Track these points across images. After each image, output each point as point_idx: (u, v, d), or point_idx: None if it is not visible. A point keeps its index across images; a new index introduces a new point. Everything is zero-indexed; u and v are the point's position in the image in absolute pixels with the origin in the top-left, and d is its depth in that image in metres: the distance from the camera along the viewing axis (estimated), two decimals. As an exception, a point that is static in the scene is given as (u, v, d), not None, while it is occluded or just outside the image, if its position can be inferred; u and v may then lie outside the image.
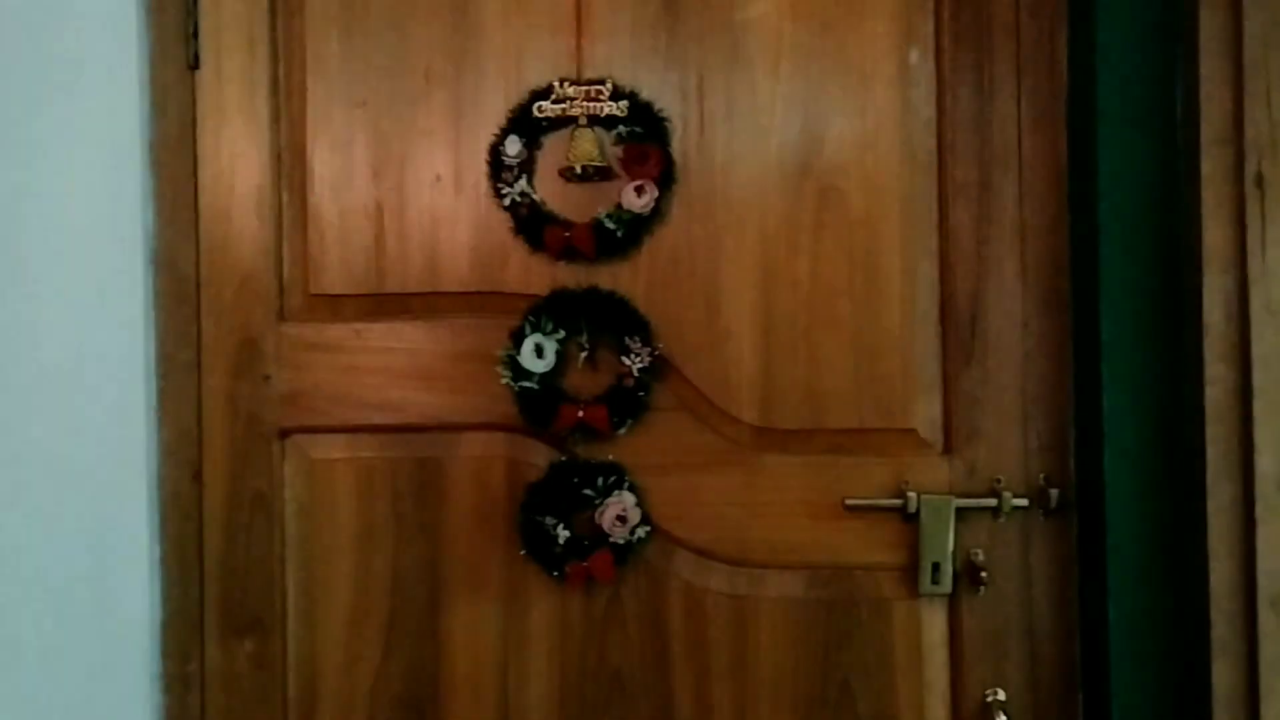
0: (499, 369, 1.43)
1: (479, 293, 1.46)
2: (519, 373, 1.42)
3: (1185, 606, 1.32)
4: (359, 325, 1.47)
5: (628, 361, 1.41)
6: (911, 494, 1.41)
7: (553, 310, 1.42)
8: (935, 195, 1.43)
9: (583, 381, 1.45)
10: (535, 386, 1.42)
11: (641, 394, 1.42)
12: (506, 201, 1.43)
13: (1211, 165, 1.28)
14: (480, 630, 1.47)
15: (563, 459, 1.44)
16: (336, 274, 1.48)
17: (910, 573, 1.42)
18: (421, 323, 1.46)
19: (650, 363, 1.41)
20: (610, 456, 1.44)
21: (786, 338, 1.44)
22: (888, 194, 1.43)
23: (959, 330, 1.42)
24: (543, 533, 1.42)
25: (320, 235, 1.48)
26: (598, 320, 1.42)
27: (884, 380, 1.43)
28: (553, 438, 1.45)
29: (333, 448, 1.48)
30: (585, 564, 1.41)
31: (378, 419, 1.47)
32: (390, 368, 1.47)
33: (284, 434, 1.48)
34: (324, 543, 1.48)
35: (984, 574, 1.40)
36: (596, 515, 1.42)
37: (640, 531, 1.43)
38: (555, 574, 1.43)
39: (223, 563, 1.49)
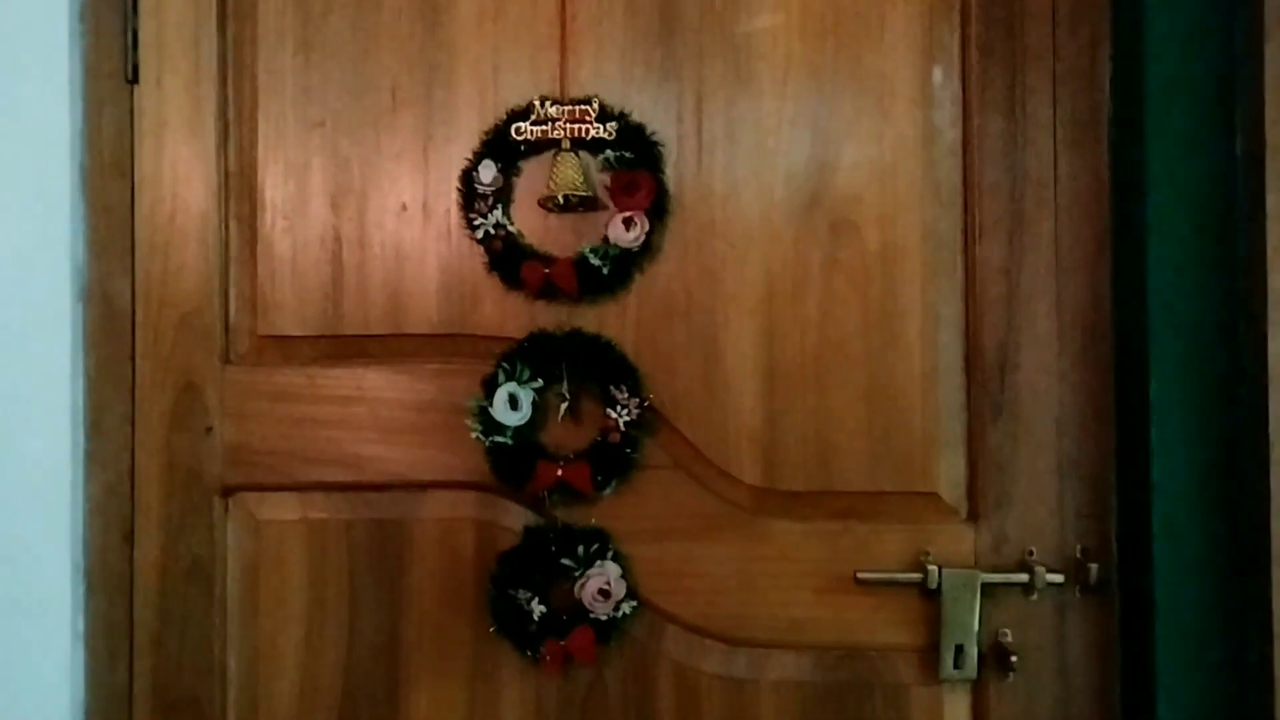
0: (469, 421, 1.33)
1: (448, 335, 1.37)
2: (491, 425, 1.32)
3: (1246, 702, 1.22)
4: (313, 371, 1.37)
5: (614, 414, 1.32)
6: (932, 567, 1.30)
7: (530, 355, 1.32)
8: (960, 229, 1.34)
9: (563, 436, 1.35)
10: (509, 441, 1.32)
11: (629, 450, 1.32)
12: (480, 234, 1.34)
13: (1279, 196, 1.20)
14: (445, 716, 1.37)
15: (539, 523, 1.35)
16: (289, 313, 1.38)
17: (931, 655, 1.32)
18: (383, 369, 1.37)
19: (639, 415, 1.32)
20: (593, 521, 1.34)
21: (793, 388, 1.34)
22: (907, 228, 1.34)
23: (986, 382, 1.32)
24: (515, 607, 1.32)
25: (271, 270, 1.39)
26: (580, 367, 1.33)
27: (902, 437, 1.34)
28: (529, 499, 1.35)
29: (282, 507, 1.39)
30: (563, 643, 1.31)
31: (333, 476, 1.37)
32: (348, 419, 1.37)
33: (227, 492, 1.39)
34: (270, 614, 1.38)
35: (1013, 658, 1.29)
36: (576, 588, 1.32)
37: (626, 606, 1.32)
38: (529, 654, 1.33)
39: (155, 637, 1.39)
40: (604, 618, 1.32)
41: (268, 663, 1.38)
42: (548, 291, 1.34)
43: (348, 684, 1.37)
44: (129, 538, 1.39)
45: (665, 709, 1.35)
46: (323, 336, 1.38)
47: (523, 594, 1.33)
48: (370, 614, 1.37)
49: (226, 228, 1.40)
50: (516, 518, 1.36)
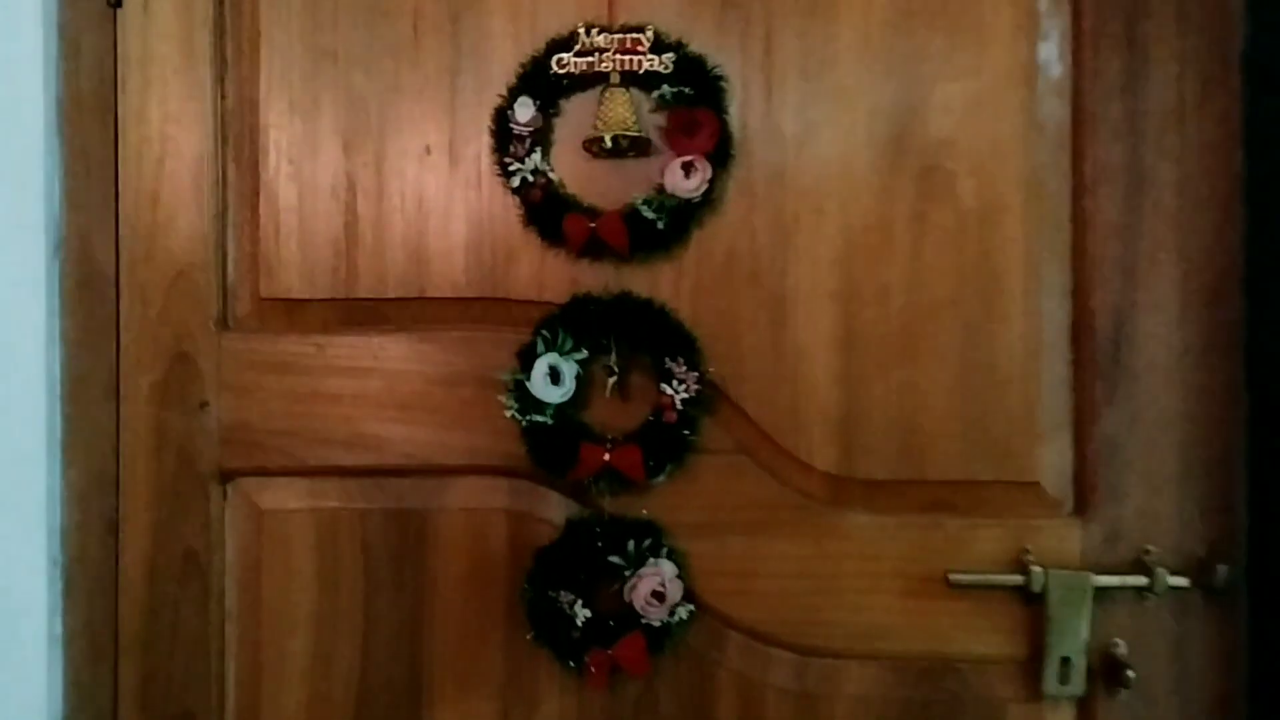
0: (502, 398, 1.19)
1: (478, 299, 1.23)
2: (528, 402, 1.18)
3: None
4: (323, 339, 1.23)
5: (669, 390, 1.18)
6: (1036, 569, 1.16)
7: (573, 322, 1.18)
8: (1069, 179, 1.19)
9: (610, 415, 1.21)
10: (548, 420, 1.18)
11: (686, 432, 1.18)
12: (515, 182, 1.19)
13: None
14: None
15: (583, 515, 1.21)
16: (295, 272, 1.24)
17: (1032, 668, 1.18)
18: (404, 337, 1.23)
19: (697, 392, 1.17)
20: (645, 513, 1.20)
21: (874, 362, 1.20)
22: (1007, 177, 1.19)
23: (1098, 356, 1.18)
24: (556, 611, 1.18)
25: (275, 223, 1.24)
26: (631, 336, 1.18)
27: (1000, 419, 1.19)
28: (571, 487, 1.21)
29: (288, 495, 1.24)
30: (611, 652, 1.17)
31: (346, 459, 1.23)
32: (363, 394, 1.23)
33: (225, 477, 1.25)
34: (275, 617, 1.24)
35: (1128, 672, 1.16)
36: (626, 590, 1.18)
37: (682, 611, 1.19)
38: (571, 664, 1.19)
39: (144, 641, 1.25)
40: (657, 624, 1.18)
41: (271, 672, 1.24)
42: (593, 249, 1.19)
43: (362, 697, 1.24)
44: (113, 529, 1.24)
45: (727, 727, 1.26)
46: (334, 300, 1.24)
47: (564, 596, 1.19)
48: (388, 617, 1.24)
49: (224, 175, 1.25)
50: (557, 509, 1.23)
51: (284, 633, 1.24)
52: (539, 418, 1.19)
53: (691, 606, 1.19)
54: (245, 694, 1.25)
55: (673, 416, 1.18)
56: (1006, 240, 1.19)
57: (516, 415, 1.19)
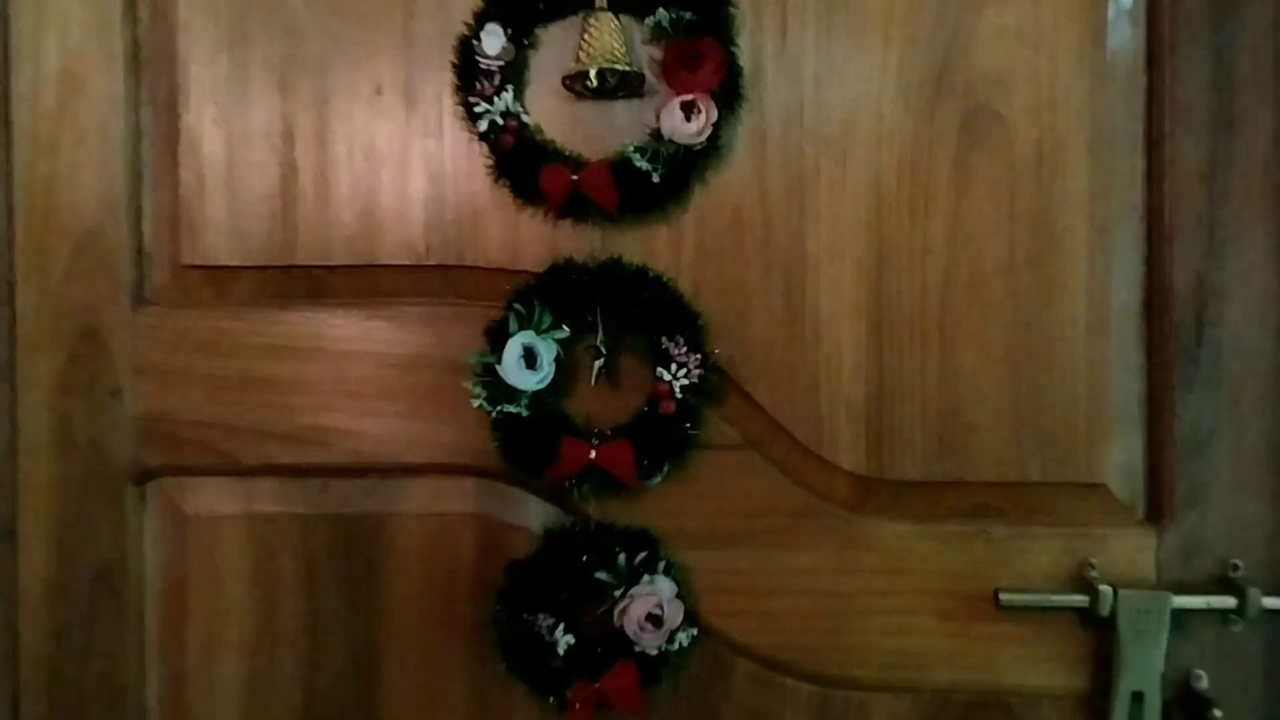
0: (469, 384, 1.02)
1: (440, 267, 1.06)
2: (499, 390, 1.01)
3: None
4: (257, 314, 1.06)
5: (666, 375, 1.00)
6: (1103, 587, 0.99)
7: (552, 295, 1.01)
8: (1142, 123, 1.02)
9: (597, 405, 1.04)
10: (523, 411, 1.01)
11: (686, 425, 1.01)
12: (483, 126, 1.01)
13: None
14: None
15: (564, 523, 1.05)
16: (224, 235, 1.06)
17: (1096, 704, 1.02)
18: (353, 312, 1.05)
19: (700, 377, 1.00)
20: (638, 521, 1.04)
21: (909, 342, 1.03)
22: (1069, 120, 1.01)
23: (1177, 334, 1.01)
24: (532, 637, 1.01)
25: (199, 176, 1.06)
26: (621, 311, 1.01)
27: (1058, 409, 1.02)
28: (550, 490, 1.05)
29: (217, 499, 1.07)
30: (597, 685, 1.00)
31: (285, 456, 1.06)
32: (305, 380, 1.06)
33: (143, 477, 1.08)
34: (204, 642, 1.07)
35: (1214, 711, 1.00)
36: (616, 612, 1.01)
37: (683, 636, 1.02)
38: (551, 699, 1.02)
39: (48, 668, 1.08)
40: (653, 652, 1.01)
41: (200, 706, 1.07)
42: (576, 207, 1.02)
43: (306, 734, 1.11)
44: (9, 539, 1.07)
45: (734, 774, 1.09)
46: (270, 268, 1.06)
47: (542, 619, 1.02)
48: (336, 642, 1.07)
49: (137, 118, 1.07)
50: (533, 515, 1.06)
51: (214, 659, 1.07)
52: (512, 408, 1.01)
53: (694, 631, 1.03)
54: (168, 733, 1.11)
55: (670, 406, 1.01)
56: (1067, 197, 1.01)
57: (485, 405, 1.02)
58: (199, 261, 1.07)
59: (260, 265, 1.07)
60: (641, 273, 1.02)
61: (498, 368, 1.01)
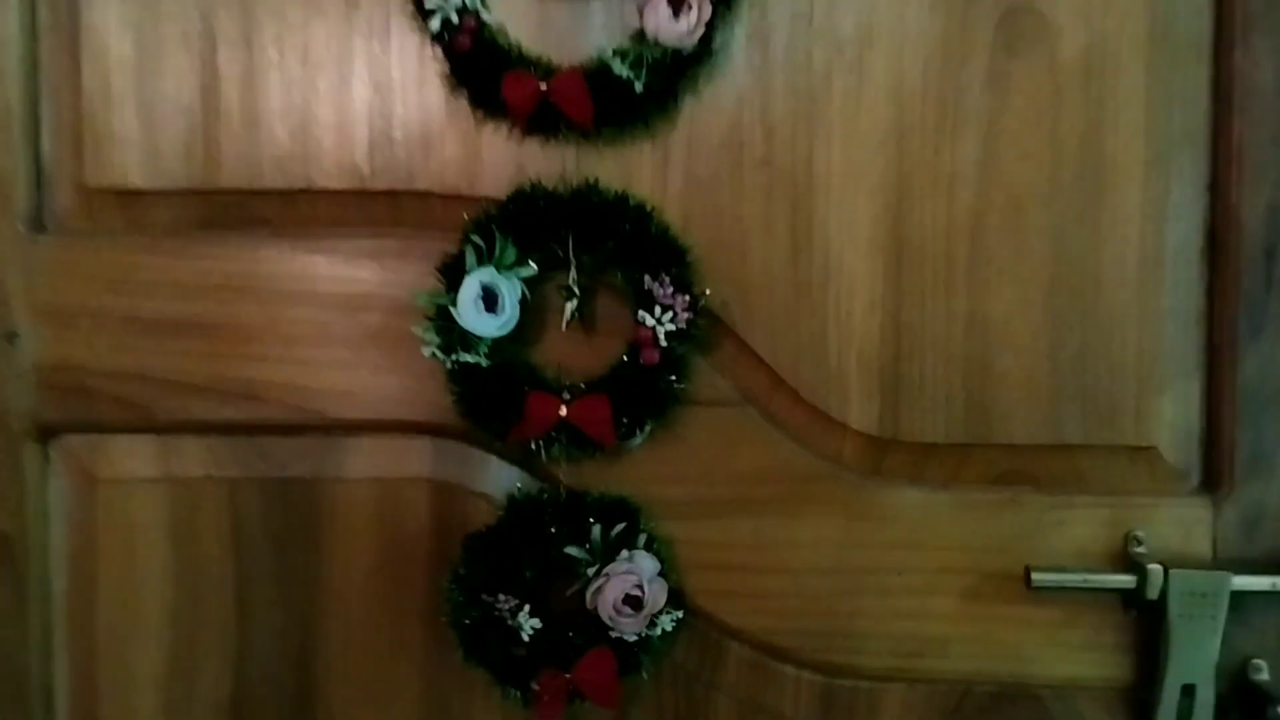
0: (420, 329, 0.89)
1: (386, 192, 0.92)
2: (454, 336, 0.87)
3: None
4: (176, 245, 0.92)
5: (650, 320, 0.87)
6: (1152, 566, 0.86)
7: (516, 225, 0.87)
8: (1210, 26, 0.87)
9: (569, 354, 0.91)
10: (483, 361, 0.88)
11: (672, 378, 0.88)
12: (435, 25, 0.86)
13: None
14: None
15: (531, 490, 0.92)
16: (134, 153, 0.91)
17: (1140, 697, 0.90)
18: (286, 244, 0.92)
19: (689, 322, 0.87)
20: (615, 488, 0.91)
21: (933, 283, 0.90)
22: (1123, 24, 0.87)
23: (1243, 275, 0.87)
24: (493, 620, 0.89)
25: (104, 83, 0.91)
26: (597, 245, 0.88)
27: (1103, 361, 0.89)
28: (515, 452, 0.92)
29: (132, 460, 0.94)
30: (569, 676, 0.88)
31: (210, 411, 0.93)
32: (232, 323, 0.92)
33: (46, 435, 0.95)
34: (117, 621, 0.95)
35: (1278, 708, 0.89)
36: (590, 592, 0.89)
37: (666, 620, 0.89)
38: (515, 691, 0.90)
39: (-60, 653, 0.98)
40: (632, 638, 0.89)
41: (114, 694, 0.95)
42: (545, 121, 0.87)
43: (236, 727, 0.99)
44: (-109, 505, 0.97)
45: (726, 777, 0.97)
46: (189, 192, 0.92)
47: (504, 600, 0.89)
48: (269, 624, 0.95)
49: (32, 13, 0.91)
50: (495, 480, 0.93)
51: (130, 642, 0.95)
52: (470, 357, 0.88)
53: (679, 614, 0.90)
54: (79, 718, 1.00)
55: (654, 356, 0.87)
56: (1120, 111, 0.87)
57: (439, 353, 0.88)
58: (106, 183, 0.92)
59: (178, 189, 0.92)
60: (621, 200, 0.88)
61: (453, 310, 0.87)
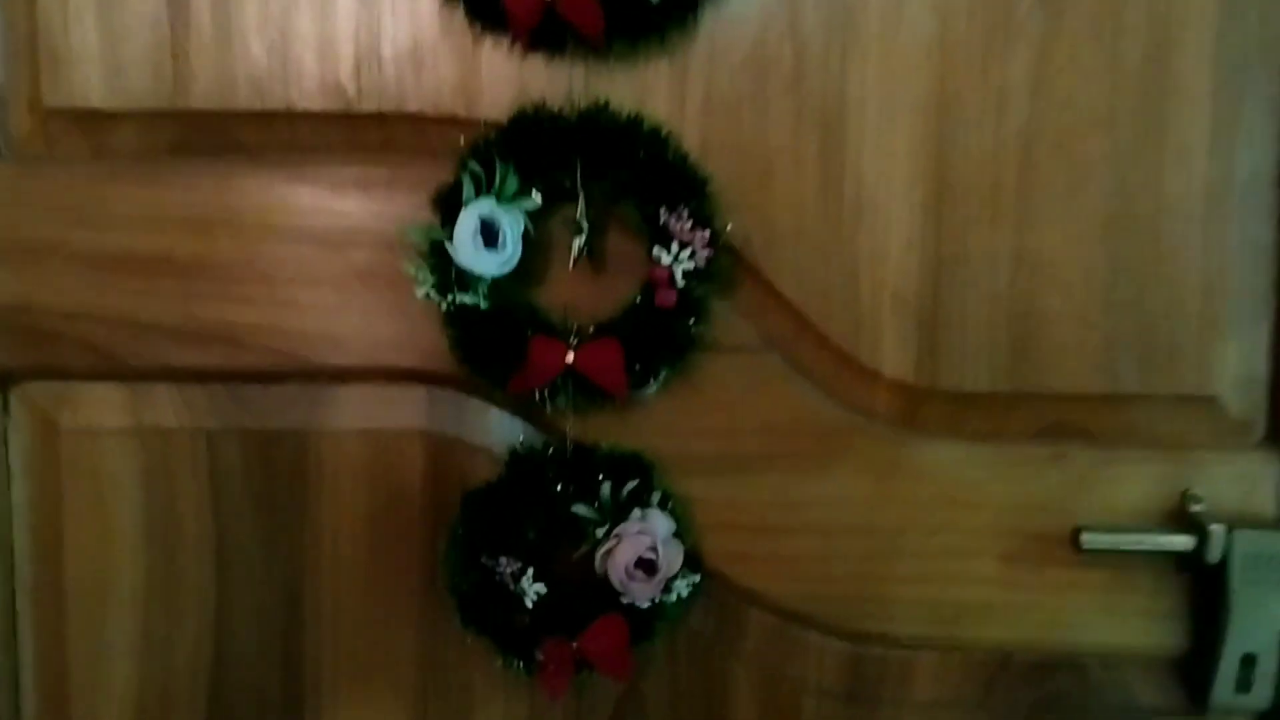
0: (412, 267, 0.81)
1: (375, 115, 0.83)
2: (451, 275, 0.79)
3: None
4: (143, 173, 0.83)
5: (665, 258, 0.79)
6: (1214, 526, 0.80)
7: (518, 152, 0.79)
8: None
9: (577, 295, 0.83)
10: (482, 303, 0.80)
11: (690, 321, 0.80)
12: (427, -74, 0.81)
13: None
14: None
15: (535, 444, 0.85)
16: (97, 71, 0.82)
17: (1196, 667, 0.84)
18: (264, 173, 0.83)
19: (708, 260, 0.79)
20: (627, 442, 0.84)
21: (976, 215, 0.82)
22: (1192, -72, 0.82)
23: (1320, 207, 0.83)
24: (494, 585, 0.82)
25: (63, -6, 0.86)
26: (608, 174, 0.79)
27: (1162, 303, 0.82)
28: (517, 402, 0.85)
29: (100, 409, 0.87)
30: (576, 645, 0.82)
31: (185, 356, 0.85)
32: (207, 259, 0.84)
33: (4, 382, 0.87)
34: (86, 584, 0.88)
35: None
36: (599, 556, 0.82)
37: (681, 585, 0.83)
38: (517, 662, 0.83)
39: (-105, 618, 0.91)
40: (645, 604, 0.82)
41: (85, 662, 0.88)
42: (550, 35, 0.78)
43: (217, 697, 0.89)
44: None
45: (746, 752, 0.91)
46: (158, 113, 0.83)
47: (506, 563, 0.82)
48: (252, 587, 0.88)
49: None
50: (496, 433, 0.86)
51: (101, 608, 0.88)
52: (468, 298, 0.80)
53: (696, 578, 0.84)
54: (47, 694, 0.89)
55: (670, 297, 0.80)
56: (1186, 28, 0.79)
57: (434, 294, 0.80)
58: (65, 104, 0.83)
59: (144, 110, 0.83)
60: (634, 124, 0.80)
61: (449, 246, 0.79)
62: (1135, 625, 0.85)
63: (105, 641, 0.88)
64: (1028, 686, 0.87)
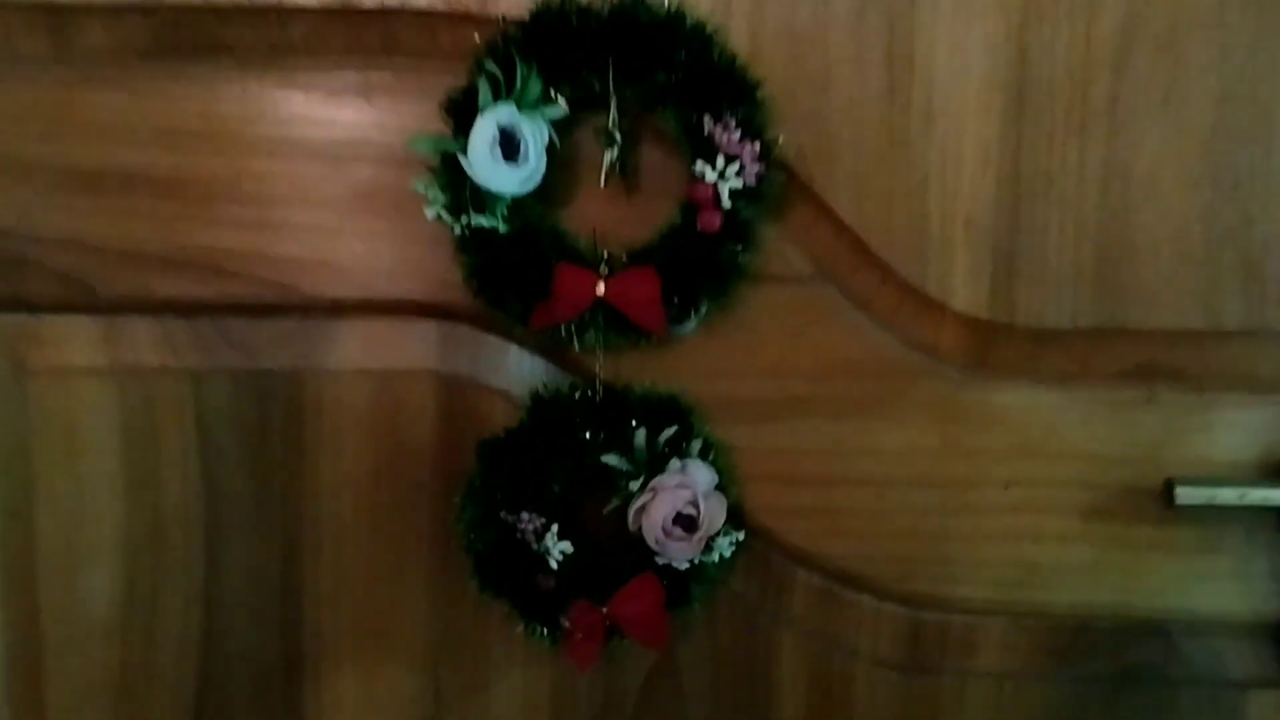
0: (420, 184, 0.72)
1: (378, 11, 0.72)
2: (466, 193, 0.70)
3: None
4: (117, 77, 0.73)
5: (710, 174, 0.69)
6: (1328, 481, 0.75)
7: (542, 52, 0.69)
8: None
9: (608, 217, 0.74)
10: (501, 225, 0.71)
11: (737, 247, 0.71)
12: None
13: None
14: None
15: (560, 387, 0.76)
16: (58, -40, 0.76)
17: (1291, 638, 0.79)
18: (253, 78, 0.73)
19: (758, 177, 0.70)
20: (664, 383, 0.75)
21: (1063, 126, 0.72)
22: None
23: None
24: (514, 544, 0.74)
25: None
26: (643, 77, 0.70)
27: (1272, 227, 0.72)
28: (540, 340, 0.76)
29: (72, 346, 0.77)
30: (606, 610, 0.74)
31: (169, 288, 0.76)
32: (188, 175, 0.75)
33: (-37, 314, 0.81)
34: (61, 545, 0.79)
35: None
36: (633, 511, 0.73)
37: (724, 543, 0.74)
38: (540, 629, 0.75)
39: None
40: (684, 565, 0.74)
41: (58, 629, 0.79)
42: (577, -83, 0.71)
43: (207, 668, 0.80)
44: None
45: (793, 724, 0.84)
46: (132, 8, 0.73)
47: (528, 520, 0.74)
48: (244, 545, 0.79)
49: None
50: (516, 374, 0.77)
51: (78, 567, 0.79)
52: (485, 220, 0.71)
53: (740, 535, 0.76)
54: (18, 665, 0.80)
55: (714, 220, 0.71)
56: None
57: (445, 215, 0.71)
58: (28, -1, 0.76)
59: (116, 4, 0.73)
60: (675, 20, 0.69)
61: (463, 160, 0.70)
62: (1228, 589, 0.77)
63: (82, 607, 0.80)
64: (1107, 656, 0.79)
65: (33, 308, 0.77)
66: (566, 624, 0.75)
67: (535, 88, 0.70)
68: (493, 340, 0.77)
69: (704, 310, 0.74)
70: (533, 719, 0.81)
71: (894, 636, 0.79)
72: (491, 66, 0.69)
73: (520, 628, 0.76)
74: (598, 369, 0.75)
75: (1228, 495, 0.74)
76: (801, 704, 0.80)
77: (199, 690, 0.81)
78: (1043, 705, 0.80)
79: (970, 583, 0.78)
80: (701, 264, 0.72)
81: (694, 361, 0.76)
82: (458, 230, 0.72)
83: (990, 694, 0.80)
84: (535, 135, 0.70)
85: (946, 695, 0.80)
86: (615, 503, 0.75)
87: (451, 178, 0.71)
